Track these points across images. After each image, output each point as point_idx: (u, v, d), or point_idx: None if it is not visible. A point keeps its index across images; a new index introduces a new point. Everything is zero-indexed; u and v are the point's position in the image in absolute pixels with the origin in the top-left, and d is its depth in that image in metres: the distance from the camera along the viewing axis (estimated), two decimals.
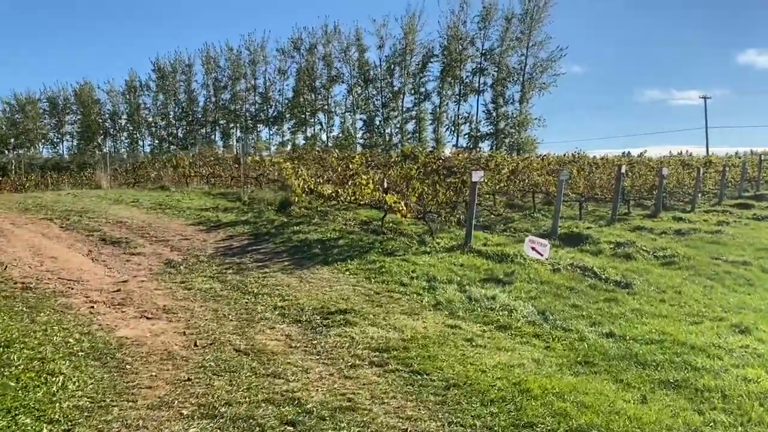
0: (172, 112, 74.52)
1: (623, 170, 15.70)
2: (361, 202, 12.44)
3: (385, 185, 11.96)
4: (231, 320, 6.52)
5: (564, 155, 21.45)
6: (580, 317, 7.42)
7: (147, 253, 9.41)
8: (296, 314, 6.80)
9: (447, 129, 64.79)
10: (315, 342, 5.95)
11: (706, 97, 68.31)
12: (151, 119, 75.87)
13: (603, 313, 7.67)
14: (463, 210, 11.62)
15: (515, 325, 6.91)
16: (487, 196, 14.96)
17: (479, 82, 62.47)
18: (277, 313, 6.84)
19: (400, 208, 11.47)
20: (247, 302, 7.20)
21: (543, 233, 13.41)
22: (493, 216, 15.18)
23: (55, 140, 78.45)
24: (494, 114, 62.65)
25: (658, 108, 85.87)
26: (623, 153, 20.54)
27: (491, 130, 63.22)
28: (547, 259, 9.67)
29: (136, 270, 8.50)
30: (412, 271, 8.96)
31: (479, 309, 7.48)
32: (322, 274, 8.65)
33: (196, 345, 5.72)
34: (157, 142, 75.42)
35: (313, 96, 68.49)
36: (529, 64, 59.61)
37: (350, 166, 12.30)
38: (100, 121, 76.45)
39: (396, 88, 65.42)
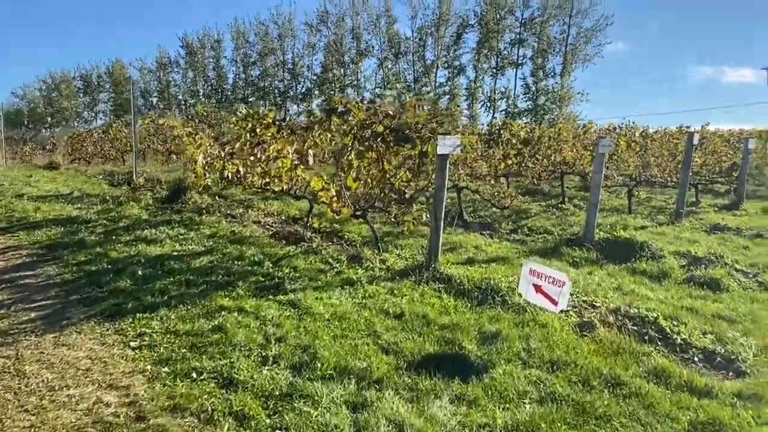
0: (201, 90, 71.71)
1: (695, 141, 10.64)
2: (278, 188, 7.82)
3: (310, 160, 7.29)
4: None
5: (608, 125, 16.31)
6: None
7: None
8: None
9: (482, 105, 59.80)
10: None
11: None
12: (181, 97, 73.45)
13: None
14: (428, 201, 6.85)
15: None
16: (489, 179, 10.20)
17: (518, 54, 57.06)
18: None
19: (327, 200, 6.84)
20: None
21: (571, 237, 8.57)
22: (497, 210, 10.35)
23: (88, 118, 77.17)
24: (533, 88, 57.35)
25: (709, 86, 77.38)
26: (680, 126, 15.01)
27: (530, 106, 57.97)
28: (563, 312, 4.89)
29: None
30: (279, 340, 4.33)
31: None
32: (60, 356, 4.07)
33: None
34: (187, 119, 72.43)
35: (342, 71, 64.50)
36: (572, 34, 53.86)
37: (257, 131, 7.67)
38: (132, 98, 74.43)
39: (429, 62, 60.61)
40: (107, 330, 4.37)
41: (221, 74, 70.80)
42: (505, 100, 59.28)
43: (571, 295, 5.04)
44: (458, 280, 5.91)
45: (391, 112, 6.35)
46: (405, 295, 5.54)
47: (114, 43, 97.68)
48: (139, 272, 5.62)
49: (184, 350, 4.07)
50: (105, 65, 73.24)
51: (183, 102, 74.20)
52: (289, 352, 4.13)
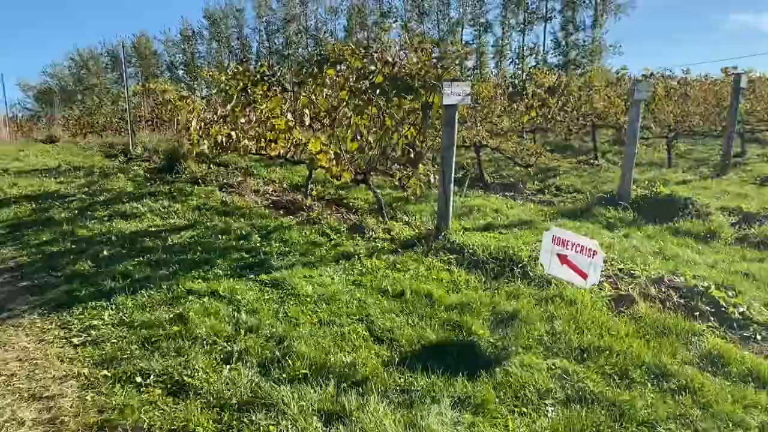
0: (227, 60, 71.13)
1: (743, 83, 9.53)
2: (274, 153, 7.09)
3: (306, 120, 6.52)
4: None
5: (644, 70, 15.01)
6: None
7: None
8: None
9: (511, 62, 57.86)
10: None
11: None
12: (206, 68, 73.01)
13: None
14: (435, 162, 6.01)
15: None
16: (512, 135, 9.25)
17: (546, 7, 54.78)
18: None
19: (326, 164, 6.08)
20: None
21: (605, 196, 7.66)
22: (521, 168, 9.43)
23: (118, 93, 77.10)
24: (564, 43, 55.15)
25: (748, 33, 72.58)
26: (725, 69, 13.33)
27: (561, 61, 55.85)
28: (594, 285, 4.06)
29: None
30: (251, 330, 3.63)
31: None
32: None
33: None
34: (214, 91, 72.07)
35: (365, 34, 63.07)
36: None
37: (248, 90, 6.91)
38: (158, 72, 74.32)
39: (454, 20, 58.66)
40: (50, 323, 3.72)
41: (245, 43, 69.95)
42: (534, 56, 57.29)
43: (605, 263, 4.20)
44: (472, 250, 5.12)
45: (389, 59, 5.51)
46: (409, 270, 4.79)
47: (136, 18, 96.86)
48: (105, 252, 4.96)
49: (135, 347, 3.40)
50: (130, 40, 72.94)
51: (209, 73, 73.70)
52: (259, 345, 3.42)
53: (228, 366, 3.22)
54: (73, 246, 5.17)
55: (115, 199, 6.73)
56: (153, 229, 5.71)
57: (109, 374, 3.13)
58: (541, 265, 4.23)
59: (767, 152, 12.53)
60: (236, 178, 7.90)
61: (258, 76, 6.60)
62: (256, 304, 4.01)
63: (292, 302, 4.09)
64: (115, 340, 3.48)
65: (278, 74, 6.53)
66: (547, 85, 8.83)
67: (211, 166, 8.45)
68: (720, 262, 5.36)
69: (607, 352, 3.48)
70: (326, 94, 6.44)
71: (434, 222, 5.91)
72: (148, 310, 3.88)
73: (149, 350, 3.37)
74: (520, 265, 4.76)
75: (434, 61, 5.27)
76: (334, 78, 6.03)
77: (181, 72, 74.84)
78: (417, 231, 5.88)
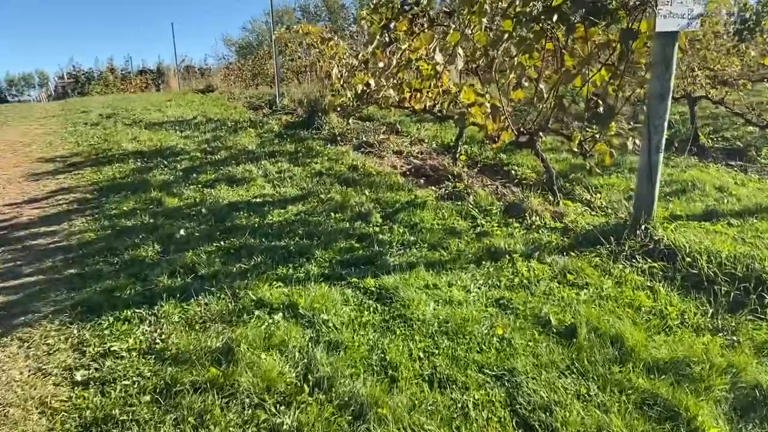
0: None
1: None
2: (418, 106, 5.71)
3: (459, 62, 5.01)
4: None
5: None
6: None
7: None
8: None
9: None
10: None
11: None
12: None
13: None
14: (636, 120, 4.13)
15: None
16: (744, 83, 6.82)
17: None
18: None
19: (480, 120, 4.56)
20: None
21: None
22: (754, 129, 6.97)
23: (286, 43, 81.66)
24: None
25: None
26: None
27: None
28: None
29: None
30: (318, 385, 2.31)
31: None
32: None
33: None
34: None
35: None
36: None
37: (390, 25, 5.51)
38: (346, 25, 76.76)
39: None
40: (64, 341, 2.70)
41: None
42: None
43: None
44: (689, 257, 3.33)
45: None
46: (586, 286, 3.16)
47: None
48: (182, 232, 3.94)
49: (146, 399, 2.25)
50: None
51: None
52: (323, 422, 2.10)
53: None
54: (152, 220, 4.22)
55: (230, 159, 5.77)
56: (258, 200, 4.61)
57: None
58: None
59: None
60: (378, 136, 6.62)
61: (398, 6, 5.14)
62: (346, 332, 2.68)
63: (398, 331, 2.71)
64: (128, 382, 2.36)
65: (423, 2, 5.00)
66: None
67: (353, 120, 7.25)
68: None
69: None
70: (485, 26, 4.83)
71: (629, 206, 4.14)
72: (194, 328, 2.73)
73: (162, 409, 2.20)
74: None
75: None
76: (495, 3, 4.41)
77: None
78: (604, 218, 4.17)
